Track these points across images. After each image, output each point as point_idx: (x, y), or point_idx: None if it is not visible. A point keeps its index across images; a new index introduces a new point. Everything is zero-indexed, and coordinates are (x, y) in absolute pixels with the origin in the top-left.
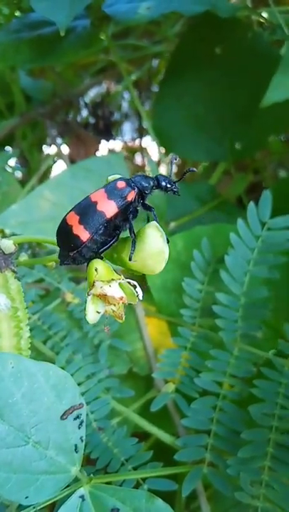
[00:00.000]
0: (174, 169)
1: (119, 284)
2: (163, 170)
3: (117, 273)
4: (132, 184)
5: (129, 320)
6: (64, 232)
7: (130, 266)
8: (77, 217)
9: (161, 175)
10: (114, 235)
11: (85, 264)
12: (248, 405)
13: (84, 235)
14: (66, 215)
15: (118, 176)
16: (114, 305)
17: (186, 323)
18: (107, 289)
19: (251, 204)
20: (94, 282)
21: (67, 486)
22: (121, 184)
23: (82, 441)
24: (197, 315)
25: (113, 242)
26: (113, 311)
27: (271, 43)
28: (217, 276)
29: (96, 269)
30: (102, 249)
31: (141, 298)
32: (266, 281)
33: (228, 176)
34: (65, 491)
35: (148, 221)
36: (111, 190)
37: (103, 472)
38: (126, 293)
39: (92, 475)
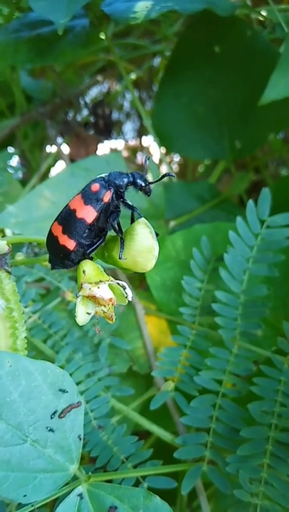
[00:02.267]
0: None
1: (109, 285)
2: (164, 169)
3: (106, 274)
4: (106, 184)
5: (128, 318)
6: (52, 242)
7: (121, 264)
8: (61, 228)
9: (137, 172)
10: (100, 236)
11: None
12: (248, 403)
13: (70, 244)
14: (51, 226)
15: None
16: (104, 306)
17: (185, 321)
18: (95, 290)
19: (250, 202)
20: (82, 284)
21: (66, 485)
22: (95, 187)
23: (80, 439)
24: (197, 313)
25: (100, 243)
26: (104, 312)
27: (270, 42)
28: (216, 274)
29: (84, 271)
30: (89, 251)
31: (130, 299)
32: (265, 279)
33: (229, 174)
34: (63, 489)
35: (132, 220)
36: (87, 195)
37: (103, 470)
38: (115, 294)
39: (91, 473)
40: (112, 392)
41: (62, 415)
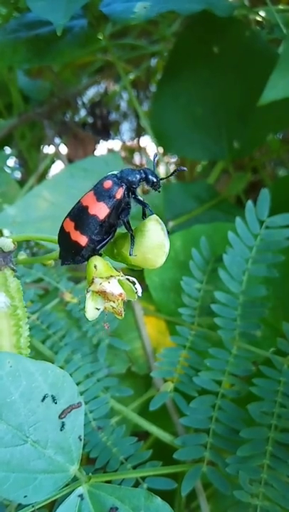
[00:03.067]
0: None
1: (118, 280)
2: (161, 169)
3: (116, 270)
4: (119, 181)
5: (127, 319)
6: (63, 238)
7: (131, 261)
8: (73, 224)
9: (148, 168)
10: (110, 232)
11: (84, 262)
12: (247, 404)
13: (82, 239)
14: (63, 221)
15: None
16: (114, 302)
17: (184, 322)
18: (106, 285)
19: (249, 203)
20: (93, 279)
21: (66, 485)
22: (107, 184)
23: (80, 440)
24: (196, 314)
25: (110, 239)
26: (112, 307)
27: (269, 42)
28: (216, 275)
29: (95, 266)
30: (99, 247)
31: (140, 294)
32: (265, 280)
33: (227, 174)
34: (63, 490)
35: (144, 216)
36: (99, 192)
37: (102, 471)
38: (125, 289)
39: (91, 474)
40: (111, 393)
41: (62, 416)
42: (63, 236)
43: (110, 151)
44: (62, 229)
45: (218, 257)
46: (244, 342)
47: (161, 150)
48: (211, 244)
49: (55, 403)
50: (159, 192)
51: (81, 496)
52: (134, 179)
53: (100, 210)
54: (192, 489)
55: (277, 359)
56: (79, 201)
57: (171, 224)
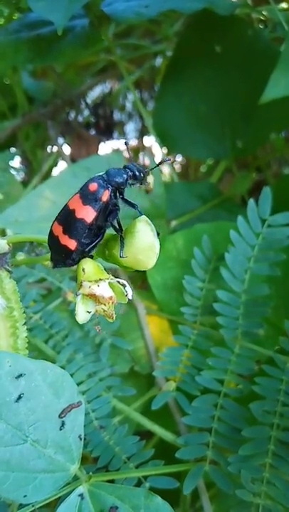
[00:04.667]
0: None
1: (109, 283)
2: (165, 169)
3: (106, 272)
4: (105, 183)
5: (130, 319)
6: (53, 242)
7: (122, 262)
8: (61, 228)
9: (132, 164)
10: (99, 234)
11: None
12: (250, 403)
13: (71, 243)
14: (52, 225)
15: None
16: (105, 304)
17: (187, 321)
18: (95, 288)
19: (251, 201)
20: (82, 282)
21: (67, 485)
22: (93, 186)
23: (80, 439)
24: (198, 313)
25: (99, 241)
26: (104, 310)
27: (271, 41)
28: (218, 273)
29: (83, 269)
30: (88, 249)
31: (130, 297)
32: (267, 279)
33: (230, 173)
34: (64, 489)
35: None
36: (85, 195)
37: (105, 470)
38: (115, 292)
39: (92, 473)
40: (114, 393)
41: (62, 415)
42: (53, 240)
43: (115, 151)
44: (51, 233)
45: (220, 256)
46: (247, 341)
47: (164, 150)
48: (213, 243)
49: (55, 402)
50: (145, 187)
51: (81, 495)
52: (120, 180)
53: (87, 214)
54: (195, 488)
55: (280, 358)
56: (66, 204)
57: (173, 223)
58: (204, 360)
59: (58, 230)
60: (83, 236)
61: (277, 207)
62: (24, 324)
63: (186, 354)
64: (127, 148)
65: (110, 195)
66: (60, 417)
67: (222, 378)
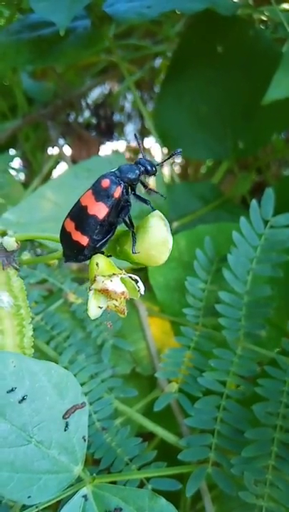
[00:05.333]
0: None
1: (121, 278)
2: (165, 170)
3: (118, 268)
4: (118, 179)
5: (132, 320)
6: (65, 238)
7: (134, 258)
8: (73, 224)
9: (143, 159)
10: (110, 230)
11: (87, 261)
12: (252, 404)
13: (83, 239)
14: (64, 221)
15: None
16: (116, 300)
17: (189, 322)
18: (108, 283)
19: (254, 202)
20: (95, 277)
21: (70, 486)
22: (105, 183)
23: (84, 440)
24: (200, 314)
25: (110, 237)
26: (115, 306)
27: (273, 41)
28: (220, 275)
29: (97, 264)
30: (100, 245)
31: (143, 293)
32: (269, 280)
33: (231, 174)
34: (67, 490)
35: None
36: (97, 191)
37: (107, 472)
38: (128, 287)
39: (95, 475)
40: (116, 394)
41: (66, 416)
42: (65, 236)
43: (115, 152)
44: (63, 229)
45: (223, 257)
46: (249, 342)
47: (165, 150)
48: (215, 245)
49: (59, 403)
50: (155, 175)
51: (85, 496)
52: (133, 176)
53: (99, 210)
54: (197, 490)
55: (283, 359)
56: (78, 200)
57: (175, 224)
58: (206, 361)
59: (71, 226)
60: (95, 232)
61: (280, 208)
62: (30, 323)
63: (188, 355)
64: (138, 144)
65: (122, 192)
66: (64, 417)
67: (224, 380)
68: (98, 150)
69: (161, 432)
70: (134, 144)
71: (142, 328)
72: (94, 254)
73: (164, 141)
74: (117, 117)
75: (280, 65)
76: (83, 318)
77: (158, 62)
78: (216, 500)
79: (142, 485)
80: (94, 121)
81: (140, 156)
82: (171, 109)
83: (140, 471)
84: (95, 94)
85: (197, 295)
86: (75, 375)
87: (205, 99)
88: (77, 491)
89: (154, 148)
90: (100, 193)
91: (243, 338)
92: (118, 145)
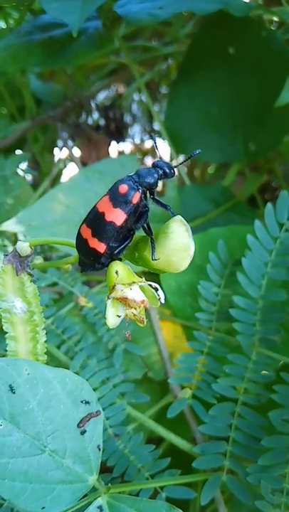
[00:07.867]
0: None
1: (140, 286)
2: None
3: (137, 276)
4: (136, 184)
5: None
6: (81, 244)
7: (153, 265)
8: (90, 230)
9: (160, 161)
10: (128, 236)
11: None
12: (268, 411)
13: (100, 246)
14: (80, 228)
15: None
16: (135, 308)
17: (202, 327)
18: (128, 292)
19: (269, 205)
20: (115, 285)
21: (85, 496)
22: (123, 188)
23: (99, 449)
24: (213, 319)
25: (128, 243)
26: (134, 314)
27: (285, 42)
28: (234, 278)
29: (116, 272)
30: (117, 251)
31: (163, 301)
32: (285, 284)
33: (242, 176)
34: (82, 501)
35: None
36: (115, 197)
37: (120, 480)
38: (147, 296)
39: (109, 483)
40: (127, 399)
41: (81, 425)
42: (81, 243)
43: (121, 153)
44: (79, 235)
45: (236, 261)
46: (263, 347)
47: (174, 151)
48: (228, 248)
49: (74, 412)
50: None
51: (100, 507)
52: (152, 180)
53: (117, 217)
54: None
55: None
56: (94, 206)
57: None
58: (220, 367)
59: (87, 233)
60: (113, 239)
61: None
62: (43, 329)
63: (201, 361)
64: (156, 146)
65: (141, 197)
66: (78, 426)
67: (239, 386)
68: (107, 151)
69: (174, 438)
70: (141, 144)
71: (154, 332)
72: (111, 261)
73: (174, 142)
74: (126, 119)
75: None
76: (94, 322)
77: (165, 63)
78: (226, 504)
79: (155, 493)
80: (103, 122)
81: (157, 158)
82: (183, 110)
83: (155, 480)
84: (104, 95)
85: (210, 299)
86: (86, 381)
87: (216, 100)
88: (92, 502)
89: (162, 149)
90: (117, 198)
91: (257, 343)
92: (125, 146)
